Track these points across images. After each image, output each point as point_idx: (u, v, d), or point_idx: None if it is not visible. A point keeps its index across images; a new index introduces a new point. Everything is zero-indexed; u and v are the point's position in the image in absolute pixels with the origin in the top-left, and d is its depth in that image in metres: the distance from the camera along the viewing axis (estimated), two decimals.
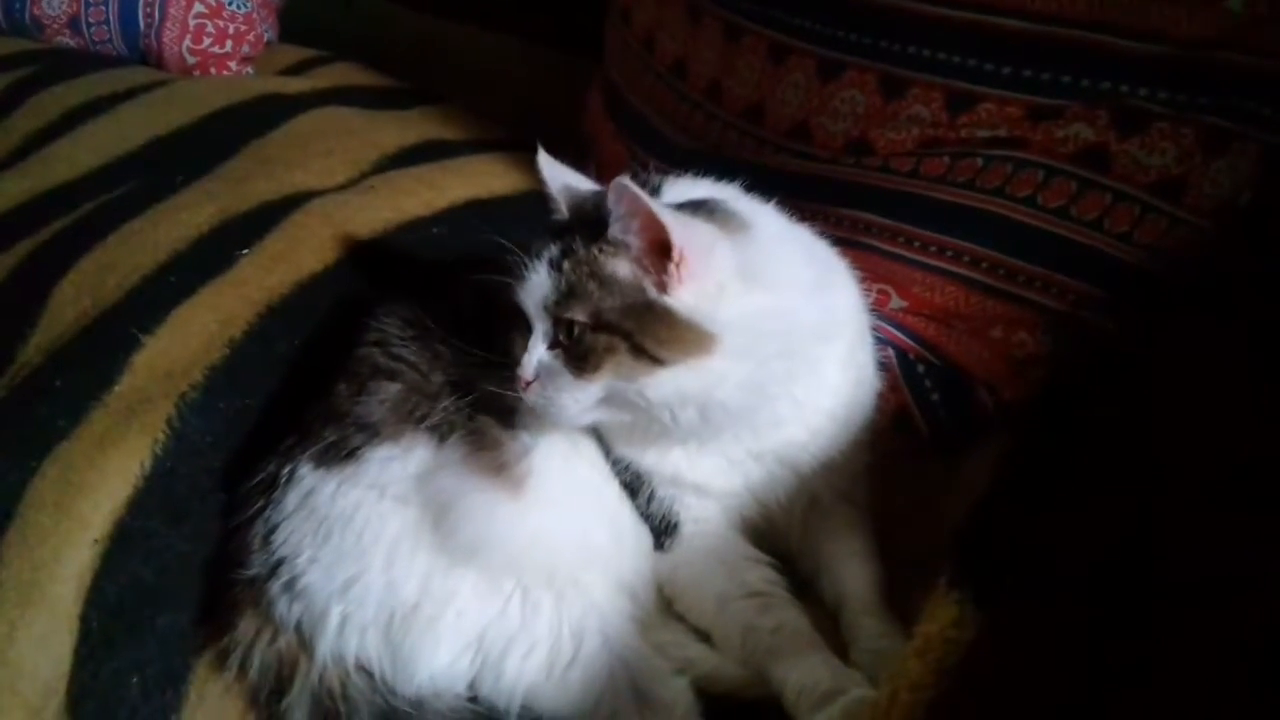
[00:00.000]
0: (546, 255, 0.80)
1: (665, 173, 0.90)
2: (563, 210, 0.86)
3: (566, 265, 0.79)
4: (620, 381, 0.78)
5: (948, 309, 1.03)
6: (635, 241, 0.76)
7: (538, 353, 0.81)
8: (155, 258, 1.14)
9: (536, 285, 0.80)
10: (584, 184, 0.89)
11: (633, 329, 0.77)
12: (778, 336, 0.80)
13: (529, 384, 0.81)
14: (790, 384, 0.83)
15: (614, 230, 0.77)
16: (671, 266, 0.75)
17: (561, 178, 0.88)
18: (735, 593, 0.88)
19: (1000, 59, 0.97)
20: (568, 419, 0.81)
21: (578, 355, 0.78)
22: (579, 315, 0.78)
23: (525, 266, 0.81)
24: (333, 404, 0.89)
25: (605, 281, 0.78)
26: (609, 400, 0.80)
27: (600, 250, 0.78)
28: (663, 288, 0.76)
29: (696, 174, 0.91)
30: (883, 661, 0.80)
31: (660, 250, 0.75)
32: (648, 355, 0.77)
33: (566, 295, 0.78)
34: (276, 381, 1.04)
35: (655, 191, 0.84)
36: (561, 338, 0.80)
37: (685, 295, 0.76)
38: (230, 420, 1.00)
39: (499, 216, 1.31)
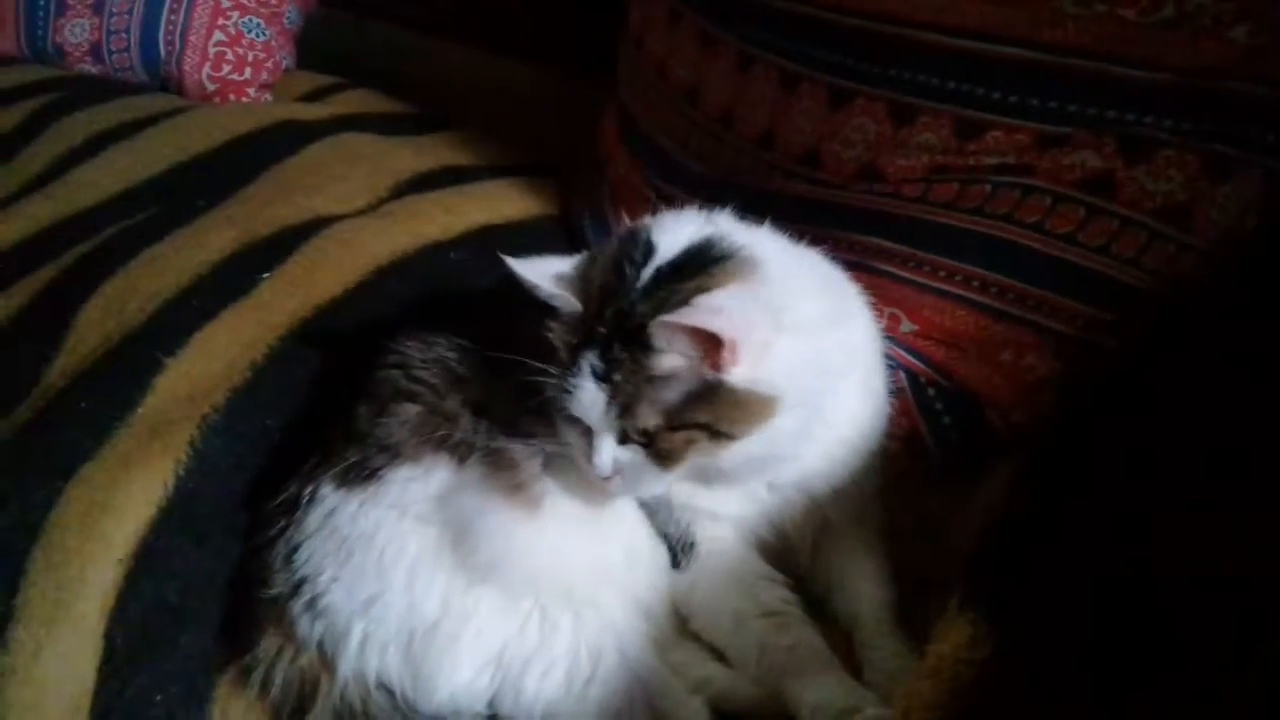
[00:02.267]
0: (587, 366, 0.77)
1: (673, 199, 0.89)
2: (574, 303, 0.80)
3: (617, 377, 0.76)
4: (701, 459, 0.79)
5: (958, 333, 1.04)
6: (685, 347, 0.75)
7: (608, 451, 0.79)
8: (177, 282, 1.16)
9: (588, 398, 0.77)
10: (570, 263, 0.85)
11: (707, 419, 0.76)
12: (817, 375, 0.80)
13: (608, 479, 0.80)
14: (820, 418, 0.84)
15: (658, 340, 0.75)
16: (724, 354, 0.74)
17: (548, 271, 0.82)
18: (751, 611, 0.88)
19: (1008, 87, 0.98)
20: (654, 495, 0.86)
21: (659, 453, 0.79)
22: (651, 422, 0.77)
23: (561, 371, 0.78)
24: (354, 425, 0.90)
25: (663, 381, 0.76)
26: (688, 472, 0.82)
27: (648, 355, 0.76)
28: (718, 368, 0.75)
29: (703, 205, 0.89)
30: (896, 681, 0.80)
31: (709, 342, 0.73)
32: (724, 435, 0.77)
33: (628, 406, 0.77)
34: (297, 403, 1.05)
35: (649, 252, 0.80)
36: (636, 439, 0.79)
37: (742, 371, 0.75)
38: (252, 441, 1.01)
39: (514, 241, 1.32)
